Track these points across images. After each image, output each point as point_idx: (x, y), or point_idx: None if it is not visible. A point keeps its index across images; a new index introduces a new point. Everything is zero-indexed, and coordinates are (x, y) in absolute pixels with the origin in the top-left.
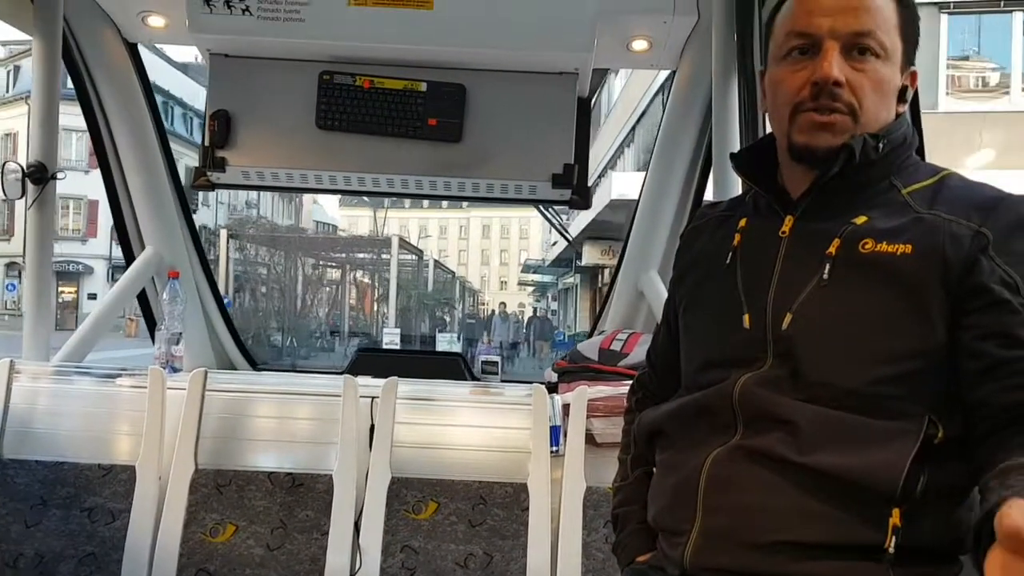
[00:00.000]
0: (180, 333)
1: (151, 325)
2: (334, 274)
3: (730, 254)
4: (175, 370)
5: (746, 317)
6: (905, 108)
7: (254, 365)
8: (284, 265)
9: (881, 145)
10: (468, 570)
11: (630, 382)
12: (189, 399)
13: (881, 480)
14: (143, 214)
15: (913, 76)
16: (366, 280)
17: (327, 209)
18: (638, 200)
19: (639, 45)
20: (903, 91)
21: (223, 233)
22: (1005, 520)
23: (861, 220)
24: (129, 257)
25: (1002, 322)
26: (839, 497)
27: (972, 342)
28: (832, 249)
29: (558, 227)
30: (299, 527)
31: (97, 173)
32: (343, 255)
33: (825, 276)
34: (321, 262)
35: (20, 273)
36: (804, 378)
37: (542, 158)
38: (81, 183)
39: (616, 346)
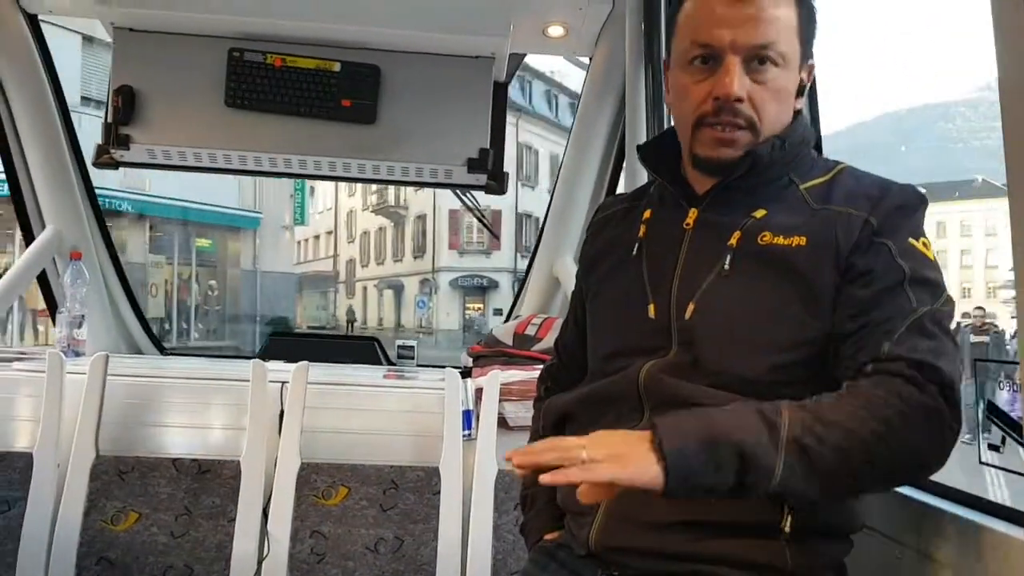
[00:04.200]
0: (82, 316)
1: (52, 308)
2: None
3: (636, 245)
4: (77, 354)
5: (651, 307)
6: (802, 102)
7: (162, 350)
8: None
9: (786, 145)
10: (378, 554)
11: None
12: (90, 384)
13: None
14: (43, 192)
15: (810, 69)
16: None
17: None
18: (554, 186)
19: (555, 31)
20: (800, 87)
21: None
22: None
23: (760, 214)
24: (29, 237)
25: (857, 295)
26: None
27: (837, 319)
28: (733, 241)
29: (478, 215)
30: (205, 514)
31: None
32: None
33: (726, 267)
34: None
35: (431, 290)
36: (705, 366)
37: (457, 142)
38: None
39: (531, 331)
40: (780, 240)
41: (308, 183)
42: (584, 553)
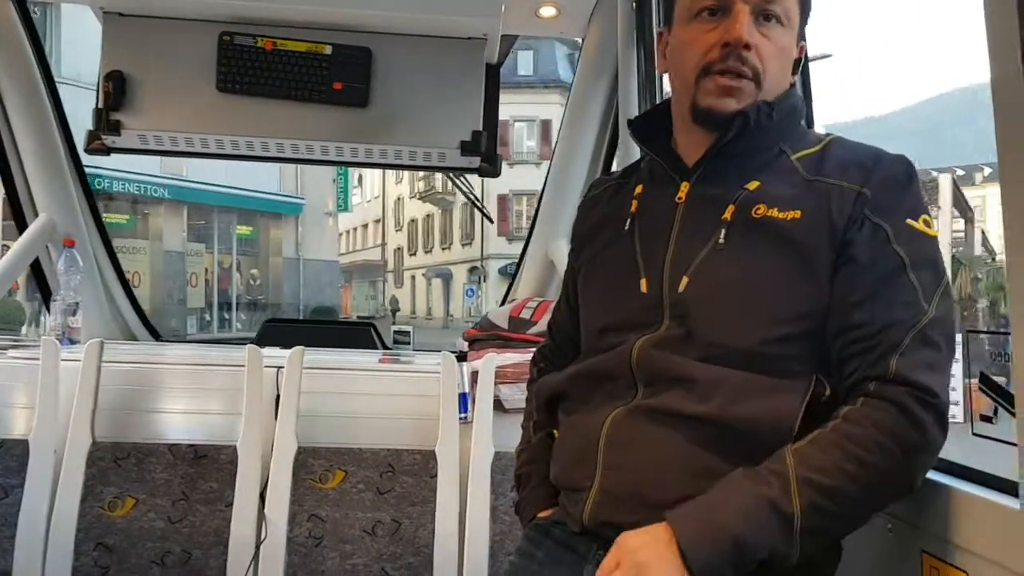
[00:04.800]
0: (76, 303)
1: (46, 297)
2: None
3: (628, 220)
4: (72, 342)
5: (644, 281)
6: (796, 77)
7: (157, 337)
8: None
9: (774, 113)
10: (376, 537)
11: None
12: (84, 371)
13: (773, 430)
14: (35, 180)
15: (801, 48)
16: None
17: None
18: (548, 168)
19: (547, 12)
20: (795, 62)
21: None
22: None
23: (754, 186)
24: (22, 226)
25: (855, 281)
26: (733, 451)
27: (834, 300)
28: (727, 214)
29: (471, 198)
30: (202, 499)
31: (545, 165)
32: None
33: (721, 240)
34: None
35: (480, 278)
36: (698, 339)
37: (450, 125)
38: (533, 176)
39: (526, 314)
40: (775, 213)
41: (352, 170)
42: (579, 529)
